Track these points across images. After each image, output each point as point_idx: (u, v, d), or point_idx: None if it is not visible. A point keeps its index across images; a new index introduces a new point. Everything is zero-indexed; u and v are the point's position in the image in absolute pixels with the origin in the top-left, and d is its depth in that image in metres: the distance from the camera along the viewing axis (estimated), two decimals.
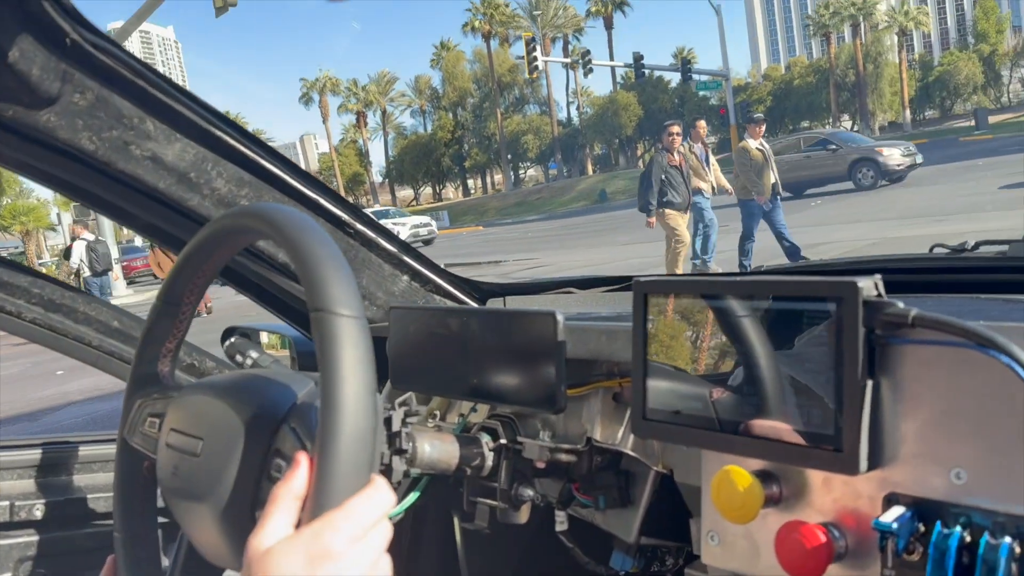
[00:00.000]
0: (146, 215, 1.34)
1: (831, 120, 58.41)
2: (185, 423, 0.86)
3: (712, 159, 9.93)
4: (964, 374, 0.79)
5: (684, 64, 32.40)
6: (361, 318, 0.69)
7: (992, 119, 45.07)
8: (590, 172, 60.55)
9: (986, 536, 0.74)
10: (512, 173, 67.60)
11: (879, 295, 0.80)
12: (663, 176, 9.01)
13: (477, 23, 59.55)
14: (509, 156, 63.27)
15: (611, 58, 57.40)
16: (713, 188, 9.78)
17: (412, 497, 1.27)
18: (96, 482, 1.86)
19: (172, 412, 0.89)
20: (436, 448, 1.15)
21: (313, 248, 0.70)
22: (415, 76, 75.93)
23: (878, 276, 0.82)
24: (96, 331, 1.70)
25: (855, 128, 50.77)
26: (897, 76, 57.56)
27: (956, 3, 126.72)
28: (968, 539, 0.75)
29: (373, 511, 0.65)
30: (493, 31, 59.33)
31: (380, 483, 0.67)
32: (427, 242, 29.34)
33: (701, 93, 51.46)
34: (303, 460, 0.68)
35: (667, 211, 9.10)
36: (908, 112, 58.05)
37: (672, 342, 0.97)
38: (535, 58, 29.09)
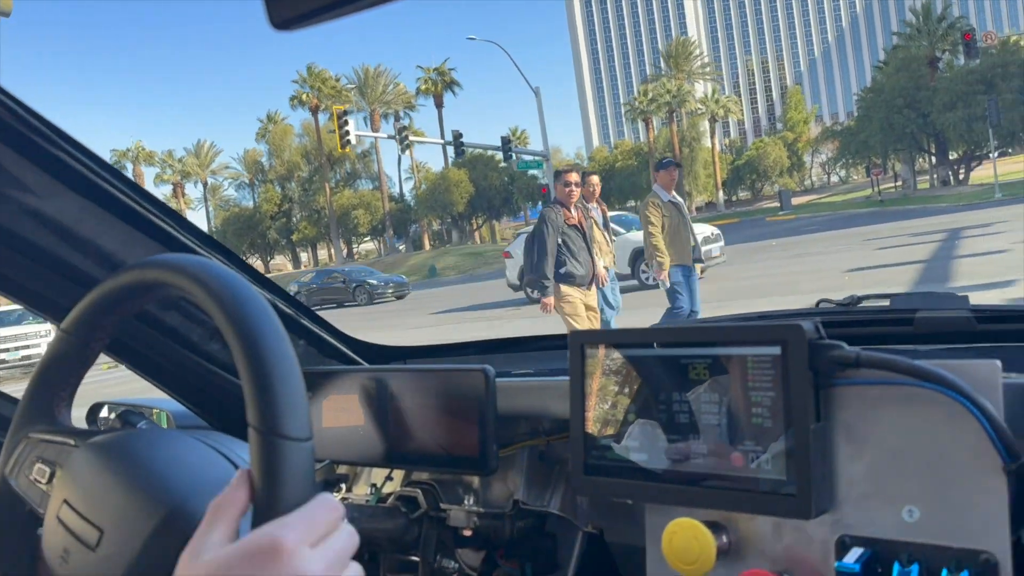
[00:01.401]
0: (20, 276, 1.15)
1: None
2: (83, 503, 0.69)
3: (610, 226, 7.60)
4: (910, 412, 0.79)
5: (504, 142, 32.08)
6: (311, 441, 0.57)
7: (795, 200, 48.57)
8: (427, 247, 60.08)
9: (946, 572, 0.74)
10: (345, 247, 66.03)
11: (821, 337, 0.81)
12: (560, 239, 6.36)
13: (304, 96, 58.59)
14: (340, 230, 61.82)
15: (441, 136, 57.52)
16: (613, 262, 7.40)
17: None
18: None
19: (68, 480, 0.71)
20: (354, 521, 1.07)
21: (265, 344, 0.56)
22: (244, 149, 73.42)
23: (818, 319, 0.83)
24: None
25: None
26: (711, 159, 60.89)
27: (766, 94, 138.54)
28: None
29: (328, 512, 0.54)
30: (321, 104, 58.26)
31: (328, 495, 0.58)
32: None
33: (531, 172, 52.28)
34: (243, 474, 0.56)
35: (563, 288, 6.39)
36: (721, 193, 61.53)
37: (612, 394, 0.94)
38: (347, 132, 28.14)
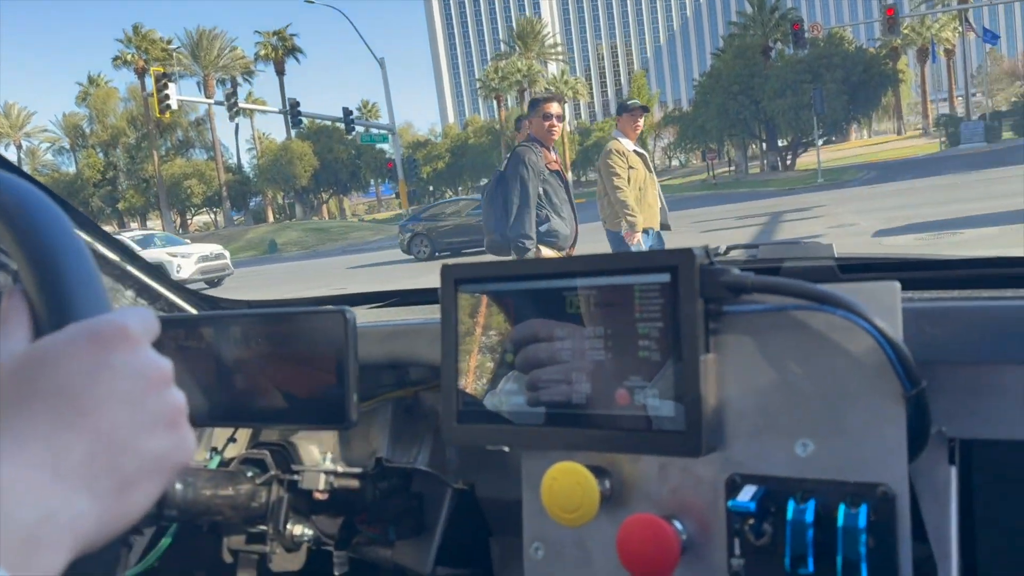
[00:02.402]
0: None
1: None
2: None
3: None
4: (804, 339, 0.76)
5: (346, 114, 30.83)
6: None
7: None
8: (270, 220, 57.15)
9: (843, 507, 0.71)
10: (178, 217, 62.01)
11: (711, 263, 0.77)
12: (541, 188, 4.88)
13: (129, 57, 54.17)
14: (172, 200, 57.95)
15: (284, 105, 54.96)
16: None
17: (162, 545, 1.11)
18: None
19: None
20: (190, 487, 0.99)
21: (49, 235, 0.45)
22: (63, 113, 67.38)
23: (707, 245, 0.80)
24: None
25: None
26: (561, 140, 61.07)
27: (615, 78, 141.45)
28: (822, 513, 0.72)
29: (151, 321, 0.45)
30: (148, 67, 54.08)
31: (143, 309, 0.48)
32: (216, 282, 19.40)
33: (379, 147, 50.86)
34: (14, 291, 0.45)
35: (544, 252, 4.94)
36: (570, 174, 62.20)
37: (488, 334, 0.87)
38: (166, 96, 25.79)
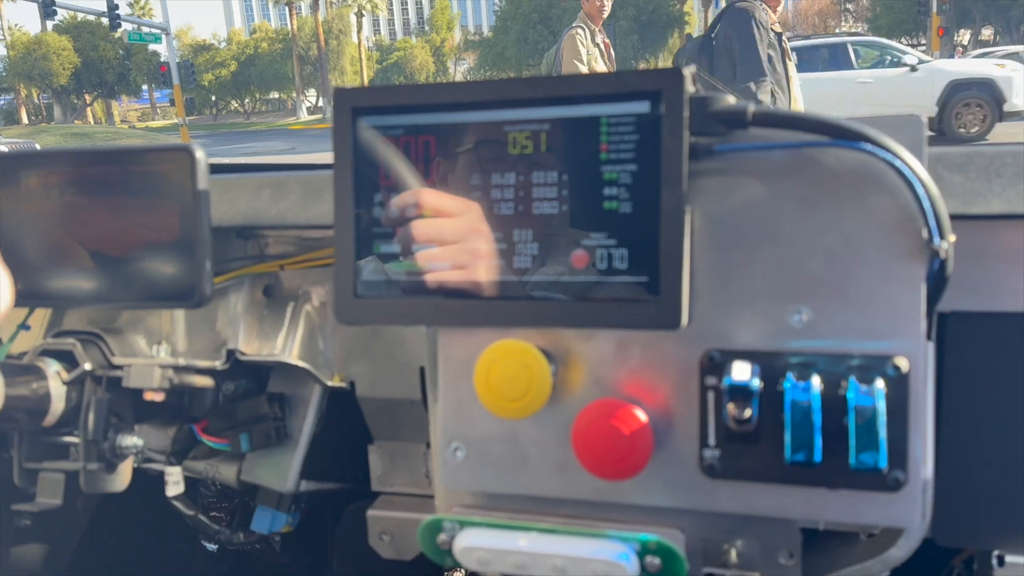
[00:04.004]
0: None
1: (297, 92, 55.40)
2: None
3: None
4: (807, 185, 0.63)
5: (111, 8, 26.98)
6: None
7: None
8: (24, 122, 49.51)
9: (853, 380, 0.61)
10: None
11: (696, 89, 0.63)
12: (767, 54, 4.00)
13: None
14: None
15: None
16: None
17: None
18: None
19: None
20: None
21: None
22: None
23: (693, 67, 0.64)
24: None
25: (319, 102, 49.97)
26: (358, 56, 57.33)
27: None
28: (826, 391, 0.62)
29: None
30: None
31: None
32: None
33: (153, 48, 47.06)
34: None
35: None
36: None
37: (395, 181, 0.67)
38: None
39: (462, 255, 0.66)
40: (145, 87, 56.33)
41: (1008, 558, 0.77)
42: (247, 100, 59.99)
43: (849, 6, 52.03)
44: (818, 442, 0.60)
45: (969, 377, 0.72)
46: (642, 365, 0.67)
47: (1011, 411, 0.71)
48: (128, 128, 48.18)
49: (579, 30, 4.88)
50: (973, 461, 0.72)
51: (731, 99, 0.63)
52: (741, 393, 0.61)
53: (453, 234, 0.66)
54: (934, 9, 19.92)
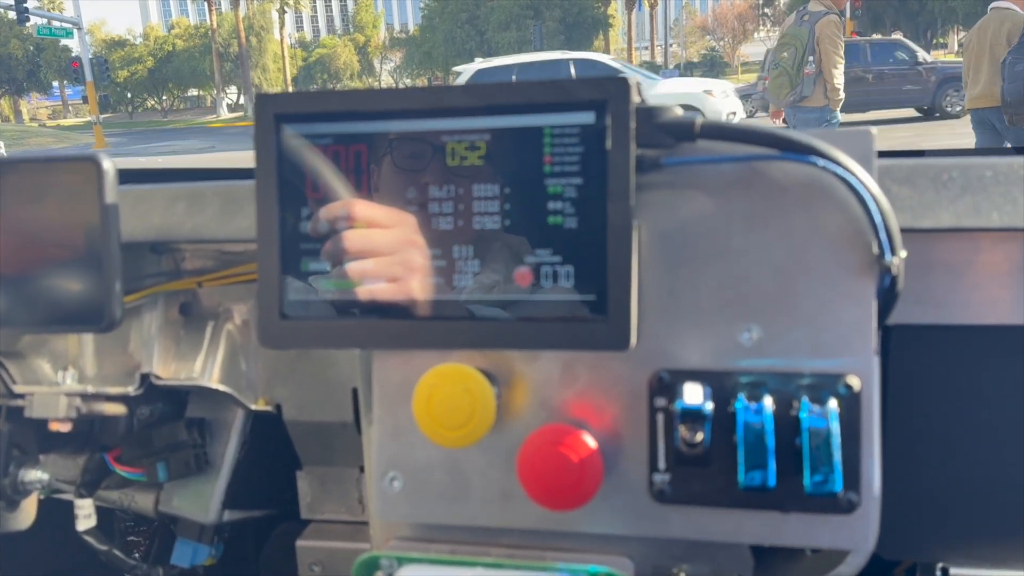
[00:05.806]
0: None
1: (217, 89, 54.25)
2: None
3: None
4: (755, 199, 0.62)
5: (18, 1, 25.92)
6: None
7: None
8: None
9: (806, 401, 0.60)
10: None
11: (643, 100, 0.61)
12: None
13: None
14: None
15: None
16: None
17: None
18: None
19: None
20: None
21: None
22: None
23: (639, 77, 0.68)
24: None
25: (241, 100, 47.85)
26: (280, 53, 56.63)
27: None
28: (778, 412, 0.60)
29: None
30: None
31: None
32: None
33: (64, 44, 44.65)
34: None
35: None
36: (291, 90, 47.12)
37: (329, 193, 0.63)
38: None
39: (397, 268, 0.62)
40: (56, 84, 53.99)
41: (952, 570, 0.77)
42: (165, 97, 58.46)
43: (767, 10, 53.59)
44: (772, 465, 0.59)
45: (913, 390, 0.72)
46: (589, 387, 0.65)
47: (954, 423, 0.71)
48: (38, 126, 46.43)
49: (835, 16, 4.77)
50: (917, 474, 0.72)
51: (678, 110, 0.61)
52: (693, 416, 0.60)
53: (387, 245, 0.62)
54: (848, 14, 20.77)
